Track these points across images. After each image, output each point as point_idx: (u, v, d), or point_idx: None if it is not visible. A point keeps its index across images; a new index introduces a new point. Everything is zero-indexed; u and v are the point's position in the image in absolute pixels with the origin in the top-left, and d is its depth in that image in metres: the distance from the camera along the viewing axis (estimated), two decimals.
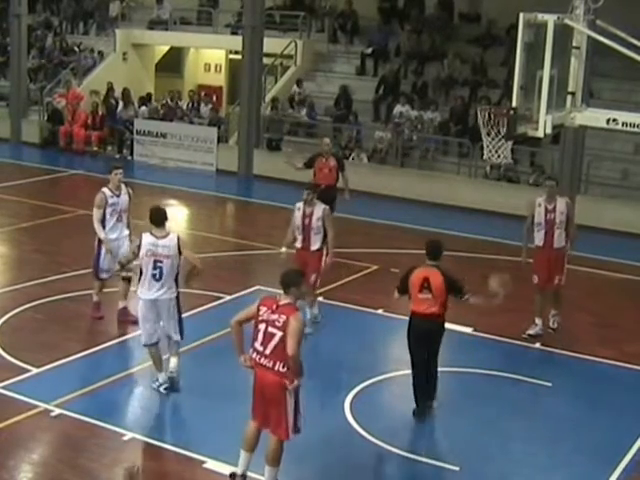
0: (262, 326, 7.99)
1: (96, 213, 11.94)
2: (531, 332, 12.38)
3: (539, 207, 12.10)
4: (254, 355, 8.00)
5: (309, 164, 15.89)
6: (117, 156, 24.57)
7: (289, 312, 7.94)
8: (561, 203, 12.09)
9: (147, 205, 10.82)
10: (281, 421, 7.91)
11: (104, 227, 11.93)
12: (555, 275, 12.19)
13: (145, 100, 25.60)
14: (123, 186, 12.17)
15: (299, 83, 24.61)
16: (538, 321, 12.40)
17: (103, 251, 12.02)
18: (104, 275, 12.21)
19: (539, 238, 12.15)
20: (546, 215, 12.03)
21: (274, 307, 8.00)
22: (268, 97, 24.58)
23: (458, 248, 16.66)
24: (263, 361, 7.91)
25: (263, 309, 8.06)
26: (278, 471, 8.08)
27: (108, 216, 11.93)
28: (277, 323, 7.92)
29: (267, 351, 7.89)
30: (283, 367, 7.81)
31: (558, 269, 12.19)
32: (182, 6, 29.02)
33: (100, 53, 28.10)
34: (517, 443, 9.51)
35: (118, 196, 12.02)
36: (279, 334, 7.87)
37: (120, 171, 12.15)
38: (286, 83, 25.25)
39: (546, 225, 12.03)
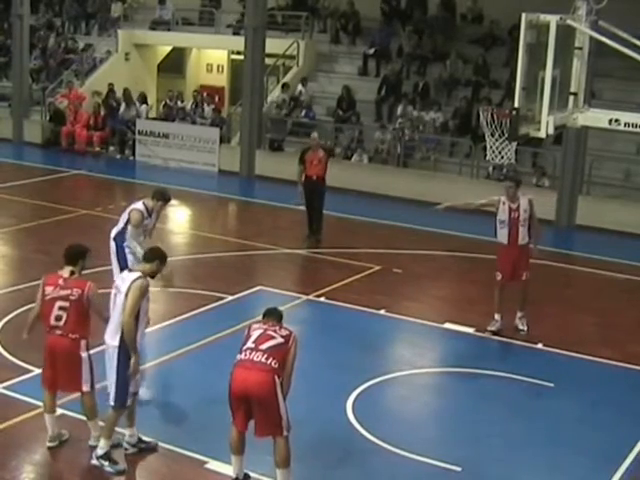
0: (258, 332, 8.02)
1: (132, 232, 11.33)
2: (492, 328, 12.40)
3: (503, 205, 12.19)
4: (239, 357, 7.93)
5: (301, 160, 16.34)
6: (118, 156, 24.62)
7: (290, 330, 8.09)
8: (524, 201, 12.24)
9: None
10: (275, 419, 7.82)
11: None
12: (521, 271, 12.32)
13: (142, 101, 25.63)
14: None
15: (304, 82, 24.61)
16: (497, 317, 12.45)
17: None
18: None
19: (503, 235, 12.26)
20: (510, 213, 12.14)
21: (269, 324, 8.11)
22: (270, 97, 24.58)
23: (459, 248, 16.71)
24: (254, 356, 7.81)
25: (256, 325, 8.15)
26: (291, 471, 8.01)
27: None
28: (279, 332, 8.00)
29: (262, 347, 7.86)
30: (275, 364, 7.78)
31: (523, 265, 12.33)
32: (184, 6, 29.03)
33: (102, 53, 28.12)
34: (519, 444, 9.48)
35: (150, 217, 11.56)
36: (280, 340, 7.93)
37: (168, 203, 11.82)
38: (288, 83, 25.23)
39: (510, 223, 12.16)
